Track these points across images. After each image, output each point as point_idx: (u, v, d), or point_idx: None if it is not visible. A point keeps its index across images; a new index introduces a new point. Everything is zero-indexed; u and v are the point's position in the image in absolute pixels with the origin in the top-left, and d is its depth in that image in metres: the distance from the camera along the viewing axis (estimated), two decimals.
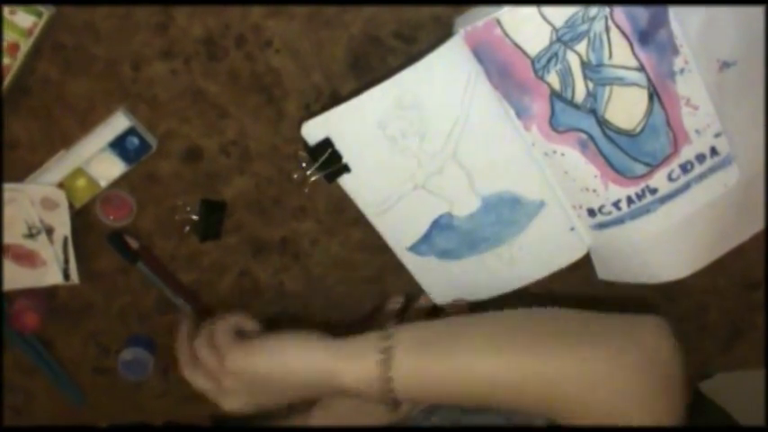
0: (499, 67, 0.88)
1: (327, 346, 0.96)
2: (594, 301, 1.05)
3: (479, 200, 1.00)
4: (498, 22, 0.84)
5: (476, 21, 0.85)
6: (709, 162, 0.94)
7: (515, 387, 0.91)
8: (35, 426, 1.24)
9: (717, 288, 1.15)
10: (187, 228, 1.07)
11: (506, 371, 0.91)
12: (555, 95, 0.89)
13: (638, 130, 0.90)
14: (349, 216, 1.07)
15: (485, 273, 1.06)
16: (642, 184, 0.94)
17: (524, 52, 0.86)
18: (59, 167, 1.00)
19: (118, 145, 0.99)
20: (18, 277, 1.06)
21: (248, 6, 0.94)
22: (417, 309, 1.14)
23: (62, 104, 0.99)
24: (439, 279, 1.10)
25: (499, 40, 0.86)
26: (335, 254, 1.11)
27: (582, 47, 0.85)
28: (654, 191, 0.94)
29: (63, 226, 1.03)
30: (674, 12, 0.84)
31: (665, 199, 0.95)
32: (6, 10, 0.89)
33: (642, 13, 0.84)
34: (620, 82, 0.87)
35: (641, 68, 0.87)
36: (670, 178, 0.93)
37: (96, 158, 1.00)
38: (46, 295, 1.11)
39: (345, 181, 0.99)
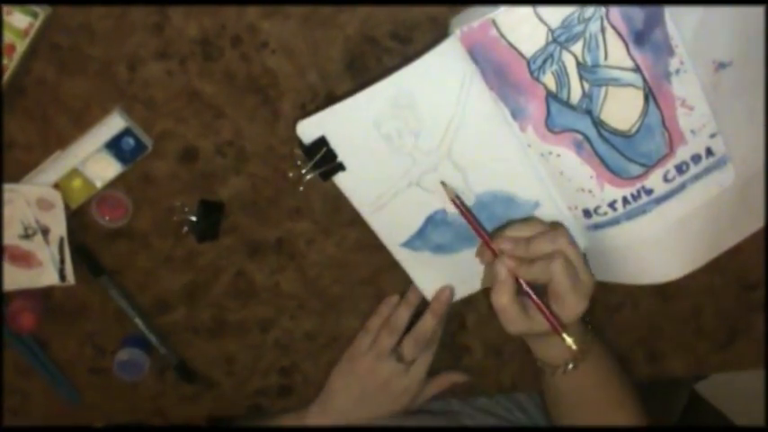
0: (495, 68, 0.88)
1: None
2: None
3: (473, 197, 1.00)
4: (494, 22, 0.84)
5: (471, 21, 0.85)
6: (704, 162, 0.94)
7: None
8: (31, 426, 1.24)
9: (713, 289, 1.16)
10: (185, 229, 1.07)
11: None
12: (550, 96, 0.89)
13: (634, 130, 0.90)
14: (345, 217, 1.07)
15: (479, 265, 1.06)
16: (638, 185, 0.94)
17: (520, 53, 0.86)
18: (55, 168, 1.00)
19: (114, 145, 0.99)
20: (14, 278, 1.06)
21: (244, 7, 0.94)
22: (422, 327, 1.14)
23: (58, 105, 0.99)
24: (432, 273, 1.09)
25: (495, 41, 0.86)
26: (331, 254, 1.11)
27: (578, 47, 0.85)
28: (649, 191, 0.94)
29: (59, 227, 1.03)
30: (669, 12, 0.84)
31: (660, 199, 0.95)
32: (2, 10, 0.89)
33: (638, 13, 0.84)
34: (616, 83, 0.87)
35: (637, 69, 0.87)
36: (666, 179, 0.93)
37: (92, 159, 1.00)
38: (42, 296, 1.11)
39: (340, 179, 0.99)
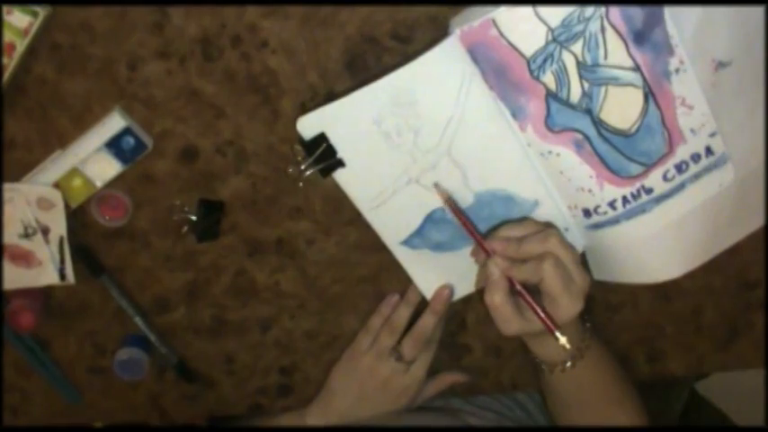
0: (495, 68, 0.88)
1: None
2: (589, 300, 1.06)
3: (473, 196, 1.00)
4: (494, 22, 0.84)
5: (471, 21, 0.85)
6: (704, 161, 0.94)
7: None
8: (31, 426, 1.24)
9: (712, 288, 1.16)
10: (185, 228, 1.07)
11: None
12: (550, 95, 0.89)
13: (634, 129, 0.90)
14: (345, 216, 1.07)
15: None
16: (637, 184, 0.94)
17: (520, 52, 0.86)
18: (55, 167, 1.00)
19: (114, 145, 0.99)
20: (14, 277, 1.06)
21: (244, 6, 0.94)
22: (422, 326, 1.14)
23: (58, 104, 0.99)
24: (432, 271, 1.09)
25: (495, 41, 0.86)
26: (331, 254, 1.11)
27: (577, 47, 0.85)
28: (649, 191, 0.94)
29: (59, 226, 1.03)
30: (669, 12, 0.84)
31: (660, 199, 0.95)
32: (3, 10, 0.89)
33: (638, 13, 0.84)
34: (616, 82, 0.87)
35: (637, 68, 0.87)
36: (665, 178, 0.94)
37: (92, 158, 1.00)
38: (42, 295, 1.11)
39: (340, 176, 0.99)
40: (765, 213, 1.02)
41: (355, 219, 1.04)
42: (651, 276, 1.02)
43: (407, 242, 1.05)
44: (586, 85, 0.88)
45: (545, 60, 0.86)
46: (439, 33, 0.92)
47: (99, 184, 1.02)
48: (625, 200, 0.95)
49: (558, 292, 0.95)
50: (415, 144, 0.96)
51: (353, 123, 0.94)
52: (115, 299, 1.11)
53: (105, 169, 1.01)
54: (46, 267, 1.05)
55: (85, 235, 1.08)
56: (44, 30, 0.92)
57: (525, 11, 0.84)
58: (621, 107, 0.89)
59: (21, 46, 0.91)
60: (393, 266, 1.09)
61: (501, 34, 0.85)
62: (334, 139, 0.96)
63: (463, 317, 1.17)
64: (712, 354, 1.22)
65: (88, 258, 1.09)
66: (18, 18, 0.90)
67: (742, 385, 1.79)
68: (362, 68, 0.98)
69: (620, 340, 1.19)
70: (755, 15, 0.89)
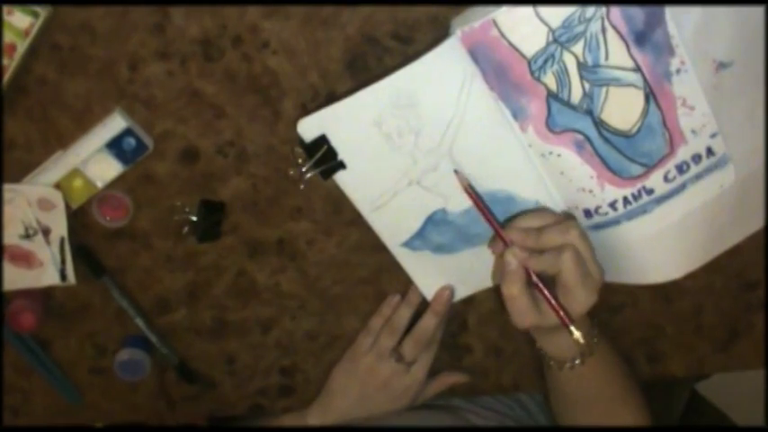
0: (495, 68, 0.88)
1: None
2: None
3: None
4: (495, 22, 0.84)
5: (472, 21, 0.85)
6: (705, 162, 0.94)
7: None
8: (32, 426, 1.24)
9: (713, 288, 1.16)
10: (186, 228, 1.07)
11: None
12: (551, 96, 0.89)
13: (635, 130, 0.90)
14: (345, 217, 1.07)
15: (480, 264, 1.06)
16: (638, 185, 0.94)
17: (521, 53, 0.86)
18: (56, 168, 1.00)
19: (114, 146, 0.99)
20: (15, 278, 1.06)
21: (245, 7, 0.94)
22: (423, 327, 1.14)
23: (59, 105, 0.99)
24: (432, 273, 1.10)
25: (495, 41, 0.86)
26: (332, 254, 1.11)
27: (578, 48, 0.85)
28: (650, 191, 0.94)
29: (60, 227, 1.03)
30: (670, 12, 0.84)
31: (661, 199, 0.95)
32: (3, 10, 0.89)
33: (638, 13, 0.84)
34: (617, 83, 0.87)
35: (637, 69, 0.87)
36: (666, 179, 0.94)
37: (93, 159, 1.00)
38: (42, 296, 1.11)
39: (341, 178, 0.99)
40: (766, 214, 1.02)
41: (356, 219, 1.04)
42: (652, 277, 1.02)
43: (408, 244, 1.05)
44: (587, 86, 0.88)
45: (546, 61, 0.86)
46: (440, 34, 0.92)
47: (100, 184, 1.02)
48: (626, 200, 0.95)
49: (575, 285, 0.94)
50: (415, 145, 0.96)
51: (354, 125, 0.94)
52: (116, 299, 1.11)
53: (106, 170, 1.01)
54: (47, 268, 1.05)
55: (86, 235, 1.08)
56: (45, 30, 0.93)
57: (526, 12, 0.84)
58: (622, 108, 0.89)
59: (21, 46, 0.91)
60: (394, 267, 1.09)
61: (502, 35, 0.85)
62: (335, 141, 0.96)
63: (464, 317, 1.18)
64: (713, 354, 1.22)
65: (89, 259, 1.09)
66: (19, 19, 0.90)
67: (742, 386, 1.79)
68: (363, 69, 0.98)
69: (620, 341, 1.19)
70: (756, 16, 0.89)
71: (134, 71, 0.97)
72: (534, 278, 0.96)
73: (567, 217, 0.99)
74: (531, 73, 0.87)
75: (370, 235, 1.05)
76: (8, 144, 1.00)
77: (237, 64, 0.97)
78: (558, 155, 0.93)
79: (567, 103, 0.89)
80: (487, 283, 1.08)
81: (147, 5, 0.94)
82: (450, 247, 1.06)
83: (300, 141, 0.96)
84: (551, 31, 0.84)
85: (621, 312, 1.18)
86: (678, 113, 0.90)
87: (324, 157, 0.97)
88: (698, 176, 0.94)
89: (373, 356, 1.15)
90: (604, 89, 0.88)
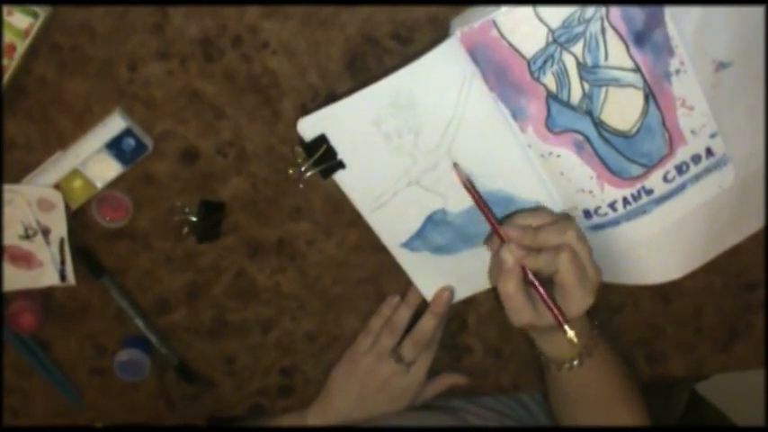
0: (495, 69, 0.88)
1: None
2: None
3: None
4: (494, 23, 0.84)
5: (472, 22, 0.85)
6: (704, 163, 0.94)
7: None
8: (31, 426, 1.24)
9: (713, 289, 1.16)
10: (185, 229, 1.07)
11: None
12: (551, 97, 0.89)
13: (634, 131, 0.90)
14: (345, 217, 1.07)
15: (479, 266, 1.06)
16: (638, 185, 0.94)
17: (520, 53, 0.86)
18: (56, 168, 1.00)
19: (114, 146, 0.99)
20: (14, 278, 1.06)
21: (244, 7, 0.94)
22: (422, 327, 1.14)
23: (58, 105, 0.99)
24: (432, 274, 1.09)
25: (495, 42, 0.86)
26: (332, 255, 1.11)
27: (578, 48, 0.85)
28: (649, 192, 0.94)
29: (59, 227, 1.03)
30: (669, 13, 0.84)
31: (660, 200, 0.95)
32: (3, 11, 0.89)
33: (638, 14, 0.84)
34: (616, 83, 0.87)
35: (637, 69, 0.87)
36: (666, 179, 0.94)
37: (92, 159, 1.00)
38: (42, 296, 1.11)
39: (340, 177, 0.99)
40: (766, 214, 1.02)
41: (356, 220, 1.04)
42: (651, 277, 1.02)
43: (408, 244, 1.05)
44: (587, 87, 0.88)
45: (545, 61, 0.86)
46: (439, 34, 0.92)
47: (99, 185, 1.02)
48: (625, 201, 0.95)
49: (572, 285, 0.94)
50: (415, 145, 0.96)
51: (354, 125, 0.94)
52: (115, 300, 1.11)
53: (106, 170, 1.01)
54: (46, 268, 1.05)
55: (86, 236, 1.08)
56: (44, 31, 0.93)
57: (526, 12, 0.84)
58: (622, 108, 0.89)
59: (21, 47, 0.91)
60: (393, 268, 1.09)
61: (501, 35, 0.85)
62: (335, 141, 0.96)
63: (464, 318, 1.17)
64: (712, 355, 1.22)
65: (88, 259, 1.09)
66: (18, 19, 0.90)
67: (742, 386, 1.79)
68: (363, 69, 0.98)
69: (620, 341, 1.19)
70: (756, 16, 0.89)
71: (134, 71, 0.97)
72: (530, 276, 0.96)
73: (565, 217, 0.99)
74: (531, 73, 0.87)
75: (370, 235, 1.05)
76: (8, 144, 1.00)
77: (237, 64, 0.97)
78: (558, 155, 0.93)
79: (567, 104, 0.89)
80: (487, 284, 1.08)
81: (146, 6, 0.94)
82: (450, 247, 1.06)
83: (300, 141, 0.96)
84: (551, 31, 0.84)
85: (621, 312, 1.17)
86: (677, 114, 0.90)
87: (323, 156, 0.97)
88: (697, 177, 0.94)
89: (373, 357, 1.15)
90: (604, 90, 0.88)
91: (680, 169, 0.93)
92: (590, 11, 0.83)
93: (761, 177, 0.99)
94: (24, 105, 0.98)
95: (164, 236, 1.09)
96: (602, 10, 0.83)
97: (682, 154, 0.92)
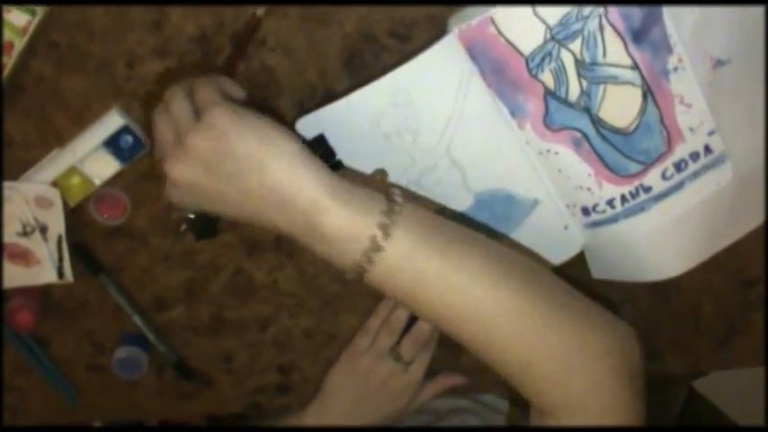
0: (493, 66, 0.88)
1: (328, 178, 0.81)
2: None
3: (472, 197, 1.00)
4: (492, 20, 0.84)
5: (470, 19, 0.85)
6: (702, 160, 0.94)
7: (490, 326, 0.84)
8: (30, 426, 1.24)
9: (711, 286, 1.16)
10: (183, 227, 1.07)
11: (495, 307, 0.83)
12: (549, 94, 0.89)
13: (632, 128, 0.90)
14: None
15: None
16: (636, 183, 0.94)
17: (518, 51, 0.86)
18: (53, 166, 1.00)
19: (112, 143, 0.99)
20: (12, 275, 1.06)
21: (243, 5, 0.93)
22: (421, 326, 1.14)
23: (56, 103, 0.99)
24: None
25: (493, 39, 0.86)
26: None
27: (576, 45, 0.85)
28: (648, 189, 0.94)
29: (57, 224, 1.03)
30: (668, 10, 0.84)
31: (659, 197, 0.95)
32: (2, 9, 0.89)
33: (636, 11, 0.84)
34: (614, 80, 0.87)
35: (635, 67, 0.87)
36: (664, 176, 0.94)
37: (90, 157, 1.00)
38: (40, 294, 1.11)
39: None
40: (766, 211, 1.02)
41: None
42: (650, 275, 1.02)
43: None
44: (585, 84, 0.88)
45: (543, 59, 0.86)
46: (437, 32, 0.92)
47: (97, 182, 1.02)
48: (624, 198, 0.95)
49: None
50: (414, 144, 0.96)
51: (352, 124, 0.94)
52: (113, 297, 1.11)
53: (103, 168, 1.01)
54: (44, 266, 1.05)
55: (84, 233, 1.08)
56: (42, 28, 0.92)
57: (524, 9, 0.84)
58: (620, 106, 0.89)
59: (19, 44, 0.91)
60: None
61: (499, 32, 0.85)
62: (333, 140, 0.95)
63: None
64: (711, 352, 1.22)
65: (86, 257, 1.09)
66: (16, 17, 0.90)
67: (740, 383, 1.80)
68: (361, 67, 0.98)
69: None
70: (754, 14, 0.89)
71: (132, 69, 0.97)
72: None
73: None
74: (529, 70, 0.87)
75: None
76: (6, 142, 1.00)
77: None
78: (556, 152, 0.93)
79: (565, 101, 0.89)
80: None
81: (144, 4, 0.94)
82: None
83: None
84: (549, 28, 0.84)
85: (620, 310, 1.17)
86: (676, 111, 0.90)
87: (322, 156, 0.96)
88: (696, 174, 0.94)
89: (371, 356, 1.15)
90: (602, 87, 0.88)
91: (678, 167, 0.93)
92: (588, 8, 0.83)
93: (759, 175, 0.99)
94: (22, 103, 0.98)
95: (161, 233, 1.09)
96: (601, 7, 0.83)
97: (680, 151, 0.92)
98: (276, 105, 1.00)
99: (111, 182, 1.03)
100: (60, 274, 1.06)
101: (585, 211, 0.98)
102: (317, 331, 1.18)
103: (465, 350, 1.15)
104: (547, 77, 0.87)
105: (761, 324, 1.19)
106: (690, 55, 0.87)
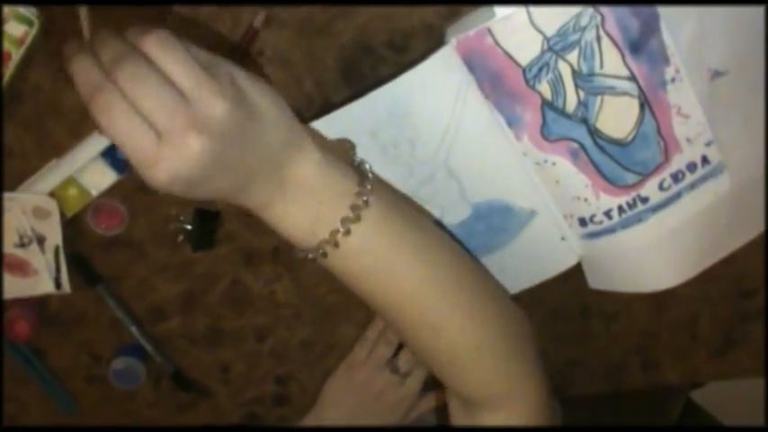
0: (490, 77, 0.88)
1: (302, 130, 0.77)
2: (585, 308, 1.06)
3: (470, 207, 1.00)
4: (489, 31, 0.84)
5: (467, 30, 0.85)
6: (700, 171, 0.94)
7: (436, 318, 0.85)
8: (31, 426, 1.24)
9: (709, 296, 1.16)
10: (181, 237, 1.07)
11: (442, 302, 0.85)
12: (546, 105, 0.89)
13: (630, 139, 0.90)
14: None
15: None
16: (633, 194, 0.94)
17: (516, 61, 0.86)
18: (51, 177, 1.00)
19: (109, 154, 0.99)
20: (9, 287, 1.06)
21: (239, 16, 0.93)
22: None
23: (54, 113, 0.98)
24: None
25: (490, 50, 0.86)
26: None
27: (573, 56, 0.86)
28: (645, 200, 0.94)
29: (54, 235, 1.03)
30: (665, 21, 0.84)
31: (656, 208, 0.95)
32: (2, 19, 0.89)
33: (634, 22, 0.84)
34: (612, 91, 0.88)
35: (632, 78, 0.87)
36: (661, 187, 0.94)
37: (88, 168, 1.00)
38: (37, 304, 1.11)
39: None
40: (766, 221, 1.02)
41: None
42: (647, 285, 1.02)
43: None
44: (582, 95, 0.88)
45: (541, 69, 0.86)
46: (434, 42, 0.92)
47: (94, 193, 1.02)
48: (621, 209, 0.95)
49: None
50: (411, 155, 0.96)
51: (350, 135, 0.94)
52: (111, 308, 1.11)
53: (101, 179, 1.01)
54: (41, 276, 1.05)
55: (81, 244, 1.07)
56: (40, 39, 0.92)
57: (521, 20, 0.84)
58: (617, 116, 0.89)
59: (16, 55, 0.91)
60: None
61: (497, 43, 0.85)
62: None
63: None
64: (708, 362, 1.22)
65: (84, 267, 1.08)
66: (14, 27, 0.90)
67: (738, 394, 1.80)
68: (358, 78, 0.98)
69: (615, 349, 1.19)
70: (751, 24, 0.89)
71: None
72: None
73: None
74: (526, 81, 0.87)
75: None
76: (4, 152, 1.00)
77: None
78: (554, 163, 0.93)
79: (562, 112, 0.89)
80: None
81: (142, 14, 0.93)
82: None
83: None
84: (546, 39, 0.84)
85: (616, 320, 1.17)
86: (673, 122, 0.90)
87: None
88: (693, 185, 0.94)
89: (369, 368, 1.15)
90: (599, 98, 0.88)
91: (675, 177, 0.93)
92: (585, 19, 0.83)
93: (756, 185, 0.99)
94: (20, 113, 0.98)
95: (159, 244, 1.09)
96: (598, 18, 0.83)
97: (677, 162, 0.92)
98: None
99: (108, 192, 1.03)
100: (58, 284, 1.06)
101: (583, 222, 0.98)
102: (315, 342, 1.18)
103: None
104: (544, 88, 0.88)
105: (759, 334, 1.19)
106: (687, 66, 0.87)
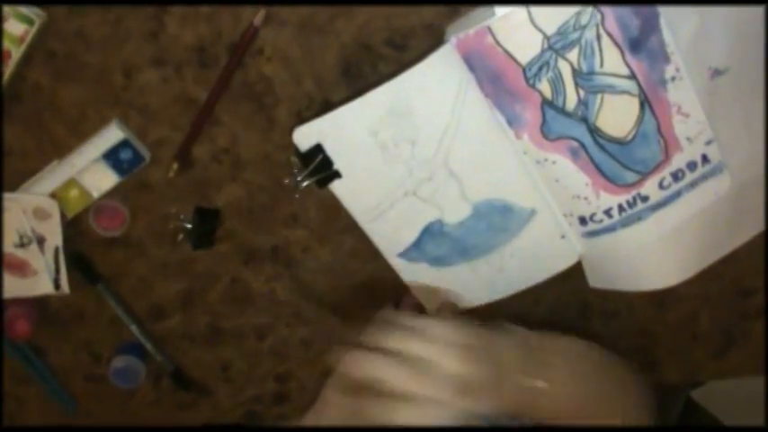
0: (490, 75, 0.88)
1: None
2: (585, 307, 1.06)
3: (470, 207, 1.00)
4: (489, 30, 0.84)
5: (467, 29, 0.85)
6: (700, 170, 0.94)
7: None
8: (30, 426, 1.24)
9: (709, 295, 1.16)
10: (181, 236, 1.07)
11: None
12: (546, 103, 0.89)
13: (630, 137, 0.90)
14: (340, 224, 1.07)
15: (475, 279, 1.06)
16: (633, 192, 0.94)
17: (516, 60, 0.86)
18: (52, 178, 1.00)
19: (111, 156, 0.99)
20: (8, 286, 1.06)
21: (239, 14, 0.93)
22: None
23: (54, 112, 0.98)
24: (431, 285, 1.09)
25: (490, 48, 0.86)
26: (327, 261, 1.11)
27: (573, 55, 0.85)
28: (645, 199, 0.94)
29: (54, 236, 1.03)
30: (665, 19, 0.84)
31: (656, 207, 0.95)
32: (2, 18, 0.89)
33: (634, 20, 0.84)
34: (612, 90, 0.87)
35: (632, 76, 0.87)
36: (661, 186, 0.94)
37: (89, 169, 1.00)
38: (37, 303, 1.11)
39: (337, 187, 0.99)
40: (766, 220, 1.02)
41: (351, 227, 1.04)
42: (647, 284, 1.02)
43: (405, 255, 1.05)
44: (582, 93, 0.88)
45: (541, 68, 0.86)
46: (434, 41, 0.92)
47: (95, 194, 1.02)
48: (621, 208, 0.95)
49: None
50: (411, 155, 0.96)
51: (349, 134, 0.94)
52: (111, 307, 1.11)
53: (102, 180, 1.01)
54: (41, 277, 1.05)
55: (81, 243, 1.07)
56: (39, 37, 0.92)
57: (521, 19, 0.84)
58: (617, 115, 0.89)
59: (16, 54, 0.91)
60: (388, 275, 1.09)
61: (497, 42, 0.85)
62: (331, 151, 0.95)
63: None
64: (707, 361, 1.22)
65: (84, 266, 1.08)
66: (13, 26, 0.90)
67: (738, 393, 1.79)
68: (358, 76, 0.98)
69: (615, 347, 1.19)
70: (752, 23, 0.89)
71: (129, 78, 0.97)
72: None
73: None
74: (526, 80, 0.87)
75: (366, 242, 1.05)
76: (4, 151, 1.00)
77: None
78: (554, 162, 0.93)
79: (562, 110, 0.89)
80: (484, 298, 1.08)
81: (141, 12, 0.93)
82: (447, 259, 1.05)
83: (296, 150, 0.96)
84: (546, 38, 0.84)
85: (616, 319, 1.17)
86: (673, 121, 0.90)
87: (319, 166, 0.97)
88: (693, 184, 0.94)
89: None
90: (599, 96, 0.88)
91: (675, 176, 0.93)
92: (585, 17, 0.83)
93: (756, 184, 0.99)
94: (19, 112, 0.98)
95: (159, 243, 1.09)
96: (598, 16, 0.83)
97: (677, 161, 0.92)
98: (273, 115, 1.00)
99: (109, 193, 1.03)
100: (57, 285, 1.06)
101: (583, 221, 0.97)
102: (315, 340, 1.18)
103: None
104: (544, 87, 0.87)
105: (759, 333, 1.19)
106: (687, 64, 0.87)
